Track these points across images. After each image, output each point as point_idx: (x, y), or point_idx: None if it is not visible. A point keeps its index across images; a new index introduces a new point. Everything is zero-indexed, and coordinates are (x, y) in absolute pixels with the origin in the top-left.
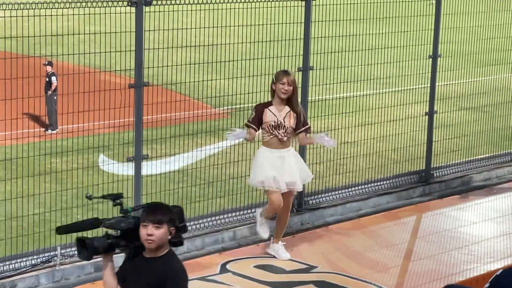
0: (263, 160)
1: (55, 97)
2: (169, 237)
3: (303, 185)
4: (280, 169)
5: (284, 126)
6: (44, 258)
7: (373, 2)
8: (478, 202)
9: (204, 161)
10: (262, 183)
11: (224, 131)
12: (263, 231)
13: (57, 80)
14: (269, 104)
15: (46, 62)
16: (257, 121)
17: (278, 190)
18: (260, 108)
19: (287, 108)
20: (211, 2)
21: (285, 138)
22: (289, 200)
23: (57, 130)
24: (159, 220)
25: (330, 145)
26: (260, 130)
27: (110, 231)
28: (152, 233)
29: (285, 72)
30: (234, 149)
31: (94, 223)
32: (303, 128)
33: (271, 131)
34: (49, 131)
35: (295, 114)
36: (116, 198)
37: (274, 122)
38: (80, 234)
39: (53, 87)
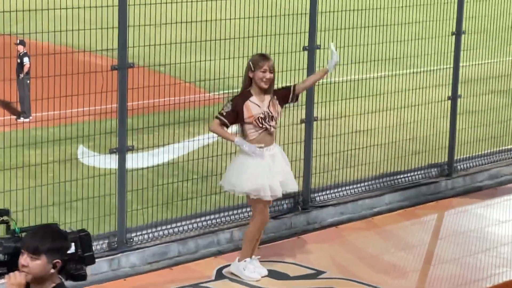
0: (255, 163)
1: (28, 81)
2: (52, 270)
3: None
4: (273, 170)
5: (273, 116)
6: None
7: None
8: (508, 198)
9: (197, 152)
10: (256, 192)
11: None
12: (259, 272)
13: (29, 61)
14: (248, 95)
15: (18, 41)
16: (234, 117)
17: (270, 199)
18: (241, 102)
19: (267, 97)
20: None
21: (272, 130)
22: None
23: (31, 118)
24: (34, 249)
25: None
26: (244, 127)
27: None
28: (27, 264)
29: (264, 57)
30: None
31: None
32: (292, 86)
33: (261, 125)
34: (22, 119)
35: (275, 98)
36: (0, 214)
37: (262, 114)
38: None
39: (25, 70)
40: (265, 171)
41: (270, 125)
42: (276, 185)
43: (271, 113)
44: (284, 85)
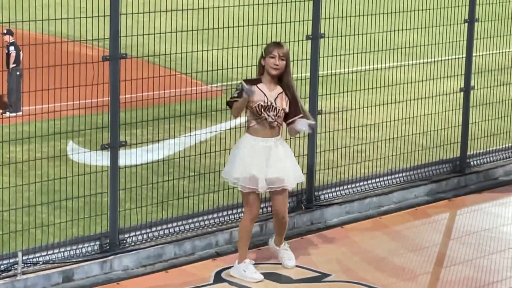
0: (243, 151)
1: (18, 73)
2: None
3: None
4: (263, 163)
5: (276, 108)
6: (2, 266)
7: None
8: None
9: (194, 148)
10: (236, 180)
11: (218, 113)
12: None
13: (17, 50)
14: (258, 81)
15: (5, 31)
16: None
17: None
18: (254, 84)
19: (279, 89)
20: None
21: (275, 123)
22: (281, 202)
23: (19, 113)
24: None
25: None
26: (246, 113)
27: None
28: None
29: (277, 44)
30: (230, 134)
31: None
32: (297, 117)
33: (260, 113)
34: (7, 113)
35: (287, 97)
36: None
37: (264, 102)
38: None
39: (11, 59)
40: (250, 159)
41: (268, 115)
42: (260, 177)
43: (275, 104)
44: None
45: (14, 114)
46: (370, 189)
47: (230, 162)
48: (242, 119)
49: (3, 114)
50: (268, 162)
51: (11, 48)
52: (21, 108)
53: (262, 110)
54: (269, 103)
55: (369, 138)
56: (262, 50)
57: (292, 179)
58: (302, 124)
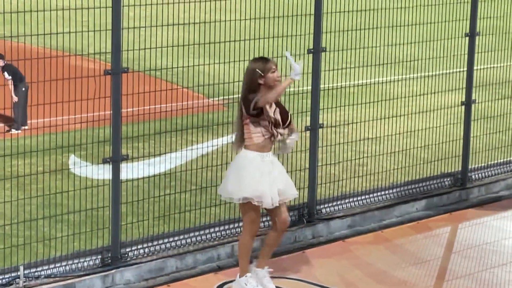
0: (250, 169)
1: (24, 88)
2: None
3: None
4: (272, 176)
5: (280, 123)
6: (4, 280)
7: None
8: None
9: (196, 162)
10: (258, 198)
11: (219, 126)
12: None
13: (12, 75)
14: None
15: None
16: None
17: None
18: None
19: (273, 103)
20: None
21: (278, 138)
22: (287, 213)
23: (24, 127)
24: None
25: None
26: (250, 129)
27: None
28: None
29: (267, 59)
30: (231, 148)
31: None
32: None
33: (271, 130)
34: (12, 131)
35: (276, 107)
36: None
37: (274, 119)
38: None
39: (10, 87)
40: (265, 176)
41: (277, 132)
42: (274, 193)
43: (278, 120)
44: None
45: (17, 132)
46: (371, 202)
47: (234, 182)
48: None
49: (8, 132)
50: (275, 174)
51: (6, 75)
52: (26, 122)
53: (272, 128)
54: (276, 120)
55: (371, 152)
56: (255, 70)
57: (295, 189)
58: (295, 135)
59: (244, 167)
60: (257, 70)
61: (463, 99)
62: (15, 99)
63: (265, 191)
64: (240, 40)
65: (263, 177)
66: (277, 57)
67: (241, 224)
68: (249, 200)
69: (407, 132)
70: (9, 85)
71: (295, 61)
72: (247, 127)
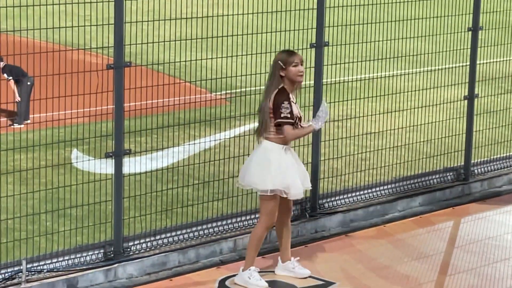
0: (279, 160)
1: (29, 83)
2: None
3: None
4: (295, 168)
5: (301, 118)
6: (6, 275)
7: None
8: None
9: (199, 156)
10: (287, 189)
11: (222, 121)
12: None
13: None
14: (287, 93)
15: None
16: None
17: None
18: (289, 99)
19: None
20: None
21: None
22: (292, 203)
23: (27, 122)
24: None
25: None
26: (270, 125)
27: None
28: None
29: (293, 52)
30: (234, 142)
31: None
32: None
33: (296, 125)
34: (15, 125)
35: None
36: None
37: (299, 114)
38: None
39: (12, 87)
40: (290, 168)
41: (301, 126)
42: (299, 184)
43: (301, 115)
44: None
45: (19, 126)
46: (374, 197)
47: (258, 173)
48: (247, 127)
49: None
50: (296, 167)
51: (5, 76)
52: (29, 116)
53: (298, 122)
54: (300, 115)
55: (373, 146)
56: (278, 61)
57: (308, 180)
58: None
59: (269, 159)
60: (279, 62)
61: (466, 94)
62: (18, 98)
63: (295, 182)
64: (243, 35)
65: (288, 169)
66: (280, 51)
67: (243, 218)
68: (275, 192)
69: (410, 126)
70: (11, 85)
71: (326, 110)
72: (273, 120)
